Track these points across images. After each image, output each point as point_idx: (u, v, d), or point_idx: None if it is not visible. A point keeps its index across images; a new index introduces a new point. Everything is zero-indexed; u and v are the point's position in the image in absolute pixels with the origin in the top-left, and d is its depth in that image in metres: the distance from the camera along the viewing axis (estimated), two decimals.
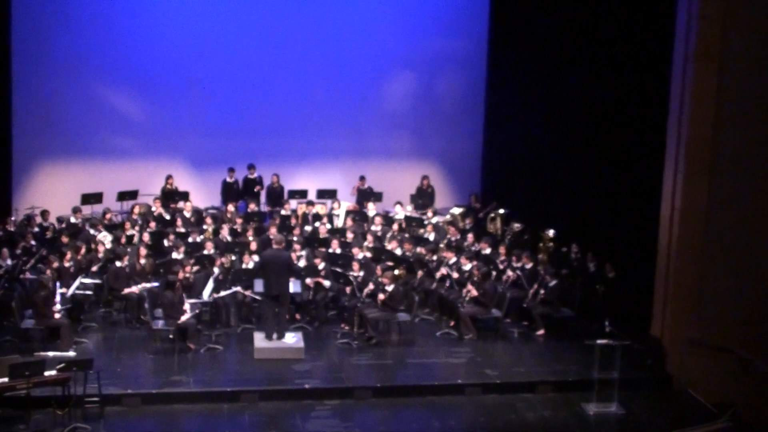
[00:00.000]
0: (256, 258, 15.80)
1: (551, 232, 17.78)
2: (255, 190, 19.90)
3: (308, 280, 15.51)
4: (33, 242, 16.64)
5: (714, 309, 13.83)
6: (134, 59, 20.20)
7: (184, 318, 14.23)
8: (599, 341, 13.24)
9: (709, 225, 13.84)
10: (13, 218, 17.98)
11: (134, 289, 15.34)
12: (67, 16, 19.71)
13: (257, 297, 15.21)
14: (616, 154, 16.94)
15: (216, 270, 15.40)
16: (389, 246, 17.12)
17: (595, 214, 17.43)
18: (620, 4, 16.70)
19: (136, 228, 17.65)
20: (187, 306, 14.36)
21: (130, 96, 20.45)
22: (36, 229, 17.42)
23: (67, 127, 20.05)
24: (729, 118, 13.57)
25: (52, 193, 19.60)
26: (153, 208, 18.80)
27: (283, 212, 18.85)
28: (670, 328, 14.23)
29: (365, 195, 20.05)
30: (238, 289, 15.33)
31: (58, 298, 14.33)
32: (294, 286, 14.93)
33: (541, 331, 15.49)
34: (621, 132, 16.79)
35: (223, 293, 15.16)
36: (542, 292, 15.47)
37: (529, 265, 16.15)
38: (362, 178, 20.31)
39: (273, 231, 17.03)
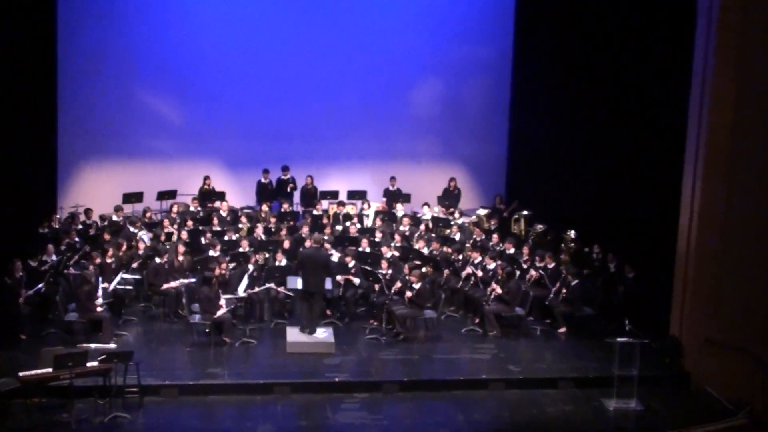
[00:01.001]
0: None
1: (573, 233, 17.79)
2: (288, 188, 20.14)
3: (339, 278, 15.65)
4: (77, 239, 16.98)
5: (731, 309, 13.82)
6: (174, 64, 20.62)
7: (219, 313, 14.44)
8: (619, 339, 13.34)
9: (726, 227, 13.86)
10: (58, 216, 18.45)
11: (172, 284, 15.61)
12: (111, 22, 20.12)
13: (290, 293, 15.48)
14: (636, 158, 16.94)
15: (250, 267, 15.66)
16: (417, 245, 17.21)
17: (615, 216, 17.43)
18: (642, 11, 16.70)
19: (175, 226, 17.89)
20: (222, 301, 14.56)
21: (170, 100, 20.87)
22: (79, 227, 17.79)
23: (110, 130, 20.46)
24: (747, 122, 13.60)
25: (95, 192, 19.99)
26: (191, 207, 19.12)
27: (314, 212, 19.07)
28: (688, 328, 14.28)
29: (394, 196, 20.24)
30: (272, 285, 15.53)
31: (100, 292, 14.60)
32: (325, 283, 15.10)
33: (562, 329, 15.62)
34: (642, 136, 16.76)
35: (257, 289, 15.41)
36: (564, 291, 15.58)
37: (551, 265, 16.22)
38: (393, 179, 20.53)
39: (305, 230, 17.33)
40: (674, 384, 14.11)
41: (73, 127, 20.18)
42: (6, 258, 14.87)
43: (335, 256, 16.19)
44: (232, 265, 15.84)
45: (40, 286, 14.89)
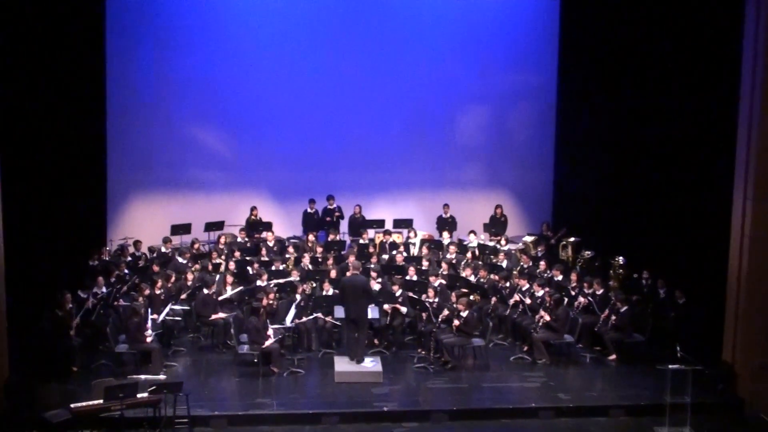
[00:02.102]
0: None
1: (621, 259, 17.67)
2: (334, 217, 20.23)
3: (386, 306, 15.61)
4: (126, 271, 17.15)
5: None
6: (221, 97, 20.82)
7: (267, 343, 14.51)
8: (671, 366, 13.15)
9: None
10: (107, 248, 18.65)
11: (220, 315, 15.67)
12: (159, 55, 20.43)
13: (337, 323, 15.52)
14: (685, 182, 16.83)
15: (298, 297, 15.73)
16: (464, 273, 17.15)
17: (665, 241, 17.28)
18: (688, 34, 16.65)
19: (223, 257, 17.98)
20: (270, 331, 14.63)
21: (217, 132, 21.07)
22: (129, 259, 18.00)
23: (158, 163, 20.74)
24: None
25: (144, 224, 20.20)
26: (238, 238, 19.24)
27: (361, 241, 19.14)
28: (741, 353, 14.09)
29: (445, 223, 20.27)
30: (319, 315, 15.59)
31: (149, 323, 14.72)
32: (372, 312, 15.10)
33: (612, 356, 15.44)
34: (690, 159, 16.65)
35: (304, 319, 15.47)
36: (614, 317, 15.40)
37: (600, 292, 16.10)
38: (446, 206, 20.52)
39: (351, 259, 17.34)
40: (728, 411, 13.89)
41: (122, 160, 20.47)
42: (56, 290, 15.05)
43: (377, 285, 16.12)
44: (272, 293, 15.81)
45: (88, 307, 15.09)
